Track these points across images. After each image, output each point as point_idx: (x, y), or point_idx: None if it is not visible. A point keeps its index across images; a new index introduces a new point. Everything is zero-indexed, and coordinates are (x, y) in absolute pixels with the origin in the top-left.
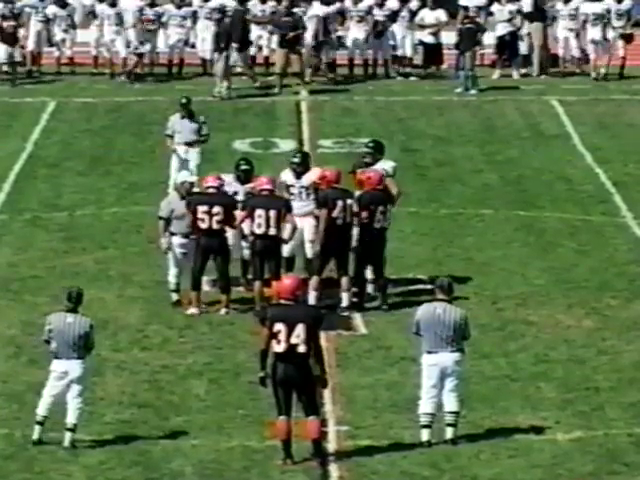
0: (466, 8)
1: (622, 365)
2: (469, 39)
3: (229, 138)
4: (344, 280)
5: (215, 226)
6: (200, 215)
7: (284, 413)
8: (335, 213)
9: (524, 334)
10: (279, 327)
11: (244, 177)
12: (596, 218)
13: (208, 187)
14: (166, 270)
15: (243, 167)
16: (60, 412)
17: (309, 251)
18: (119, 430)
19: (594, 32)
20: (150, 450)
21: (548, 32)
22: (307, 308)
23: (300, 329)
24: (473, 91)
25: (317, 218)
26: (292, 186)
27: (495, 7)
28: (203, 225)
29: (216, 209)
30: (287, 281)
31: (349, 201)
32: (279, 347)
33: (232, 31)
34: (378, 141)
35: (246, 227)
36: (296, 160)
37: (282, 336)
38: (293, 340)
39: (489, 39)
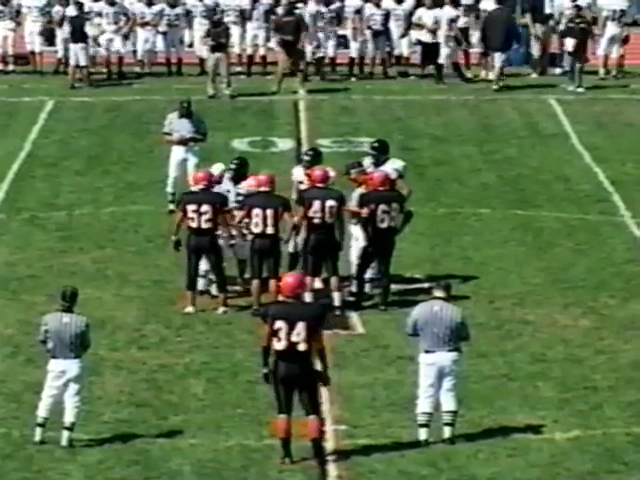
0: (578, 7)
1: (620, 364)
2: (584, 36)
3: (228, 137)
4: (333, 280)
5: (204, 225)
6: (189, 214)
7: (284, 412)
8: (311, 212)
9: (521, 333)
10: (280, 325)
11: (237, 177)
12: (594, 217)
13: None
14: (163, 269)
15: (236, 167)
16: (58, 411)
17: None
18: (117, 429)
19: (611, 29)
20: (148, 449)
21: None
22: (308, 306)
23: (300, 327)
24: (581, 89)
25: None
26: (302, 182)
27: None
28: (193, 224)
29: (204, 208)
30: (289, 279)
31: (330, 202)
32: (279, 345)
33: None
34: (382, 141)
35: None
36: (307, 158)
37: (282, 334)
38: (293, 338)
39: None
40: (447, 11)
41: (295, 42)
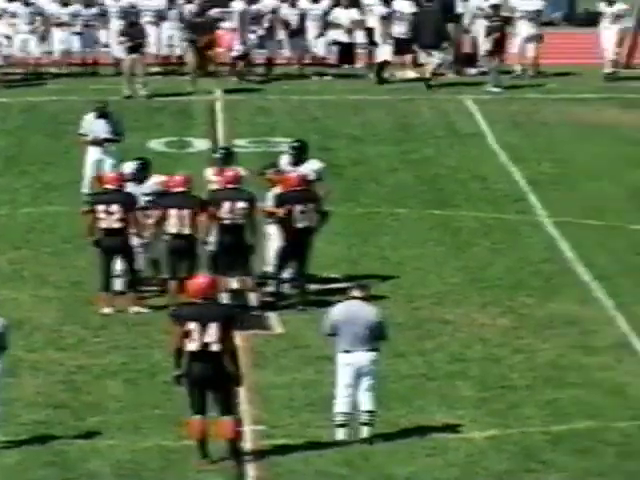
0: (495, 6)
1: (538, 364)
2: (500, 36)
3: (144, 138)
4: (248, 280)
5: (114, 225)
6: (100, 215)
7: (199, 412)
8: (221, 213)
9: (440, 333)
10: (192, 326)
11: (141, 177)
12: (511, 217)
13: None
14: (81, 270)
15: (139, 167)
16: None
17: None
18: (35, 431)
19: (526, 29)
20: (66, 450)
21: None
22: (220, 307)
23: (213, 328)
24: (498, 89)
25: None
26: (212, 182)
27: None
28: (103, 225)
29: (114, 208)
30: (199, 280)
31: (240, 203)
32: (192, 346)
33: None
34: (302, 141)
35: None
36: (219, 156)
37: (195, 335)
38: (206, 339)
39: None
40: (380, 9)
41: (207, 42)
